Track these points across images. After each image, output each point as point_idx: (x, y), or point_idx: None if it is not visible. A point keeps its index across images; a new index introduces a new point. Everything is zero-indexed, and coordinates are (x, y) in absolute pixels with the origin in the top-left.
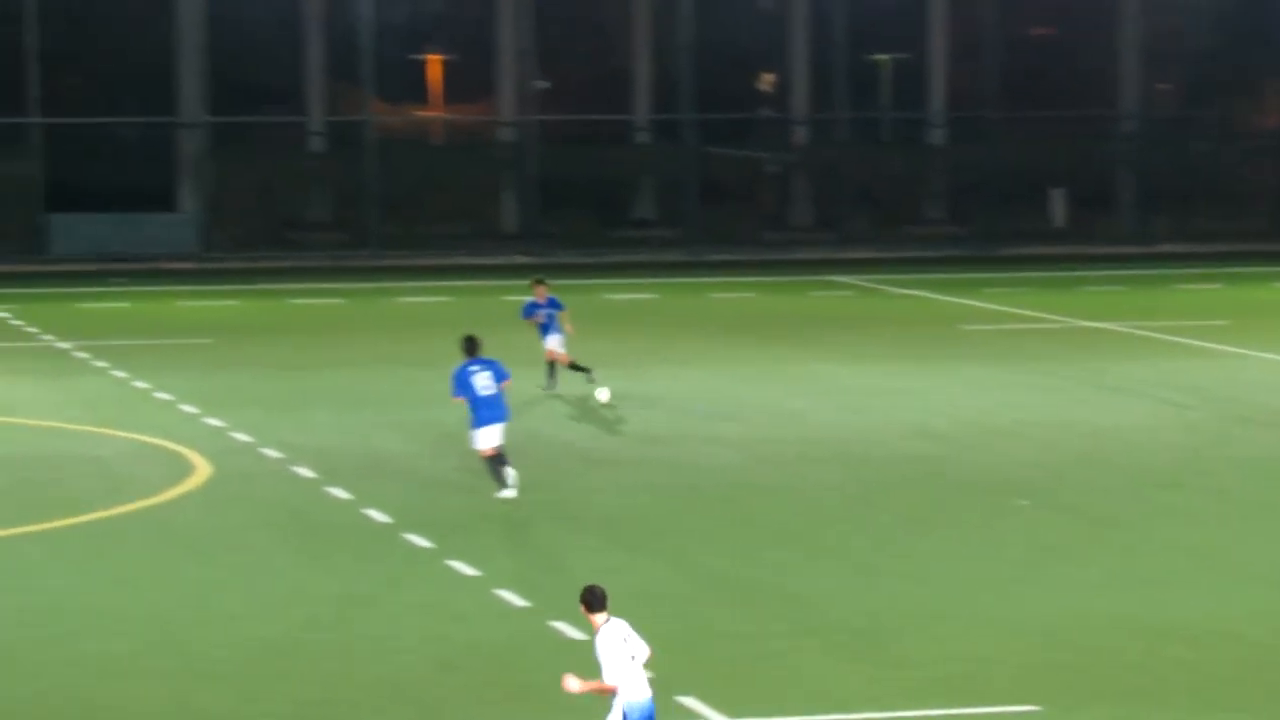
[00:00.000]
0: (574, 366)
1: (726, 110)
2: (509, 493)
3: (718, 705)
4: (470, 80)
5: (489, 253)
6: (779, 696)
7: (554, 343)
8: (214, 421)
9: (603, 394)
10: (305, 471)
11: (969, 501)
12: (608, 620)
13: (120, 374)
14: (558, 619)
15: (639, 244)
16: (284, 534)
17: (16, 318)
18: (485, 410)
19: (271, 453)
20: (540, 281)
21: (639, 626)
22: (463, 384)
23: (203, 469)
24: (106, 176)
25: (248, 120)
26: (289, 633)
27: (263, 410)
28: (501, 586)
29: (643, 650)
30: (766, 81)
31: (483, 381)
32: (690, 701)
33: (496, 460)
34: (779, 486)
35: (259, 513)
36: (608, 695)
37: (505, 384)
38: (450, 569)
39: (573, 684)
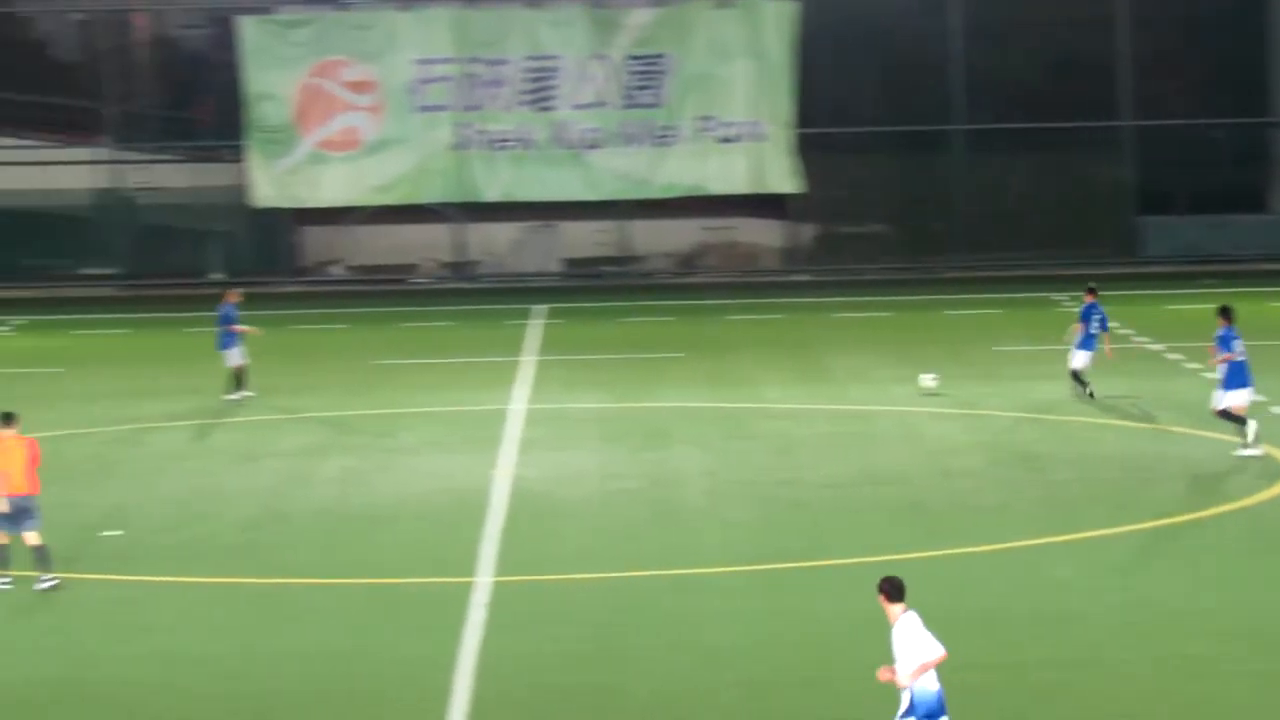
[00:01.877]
0: (1076, 376)
1: None
2: (1253, 451)
3: None
4: None
5: None
6: None
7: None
8: None
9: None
10: None
11: None
12: (905, 611)
13: (1213, 376)
14: None
15: None
16: None
17: (1111, 319)
18: (1242, 375)
19: None
20: (1090, 290)
21: None
22: (1229, 347)
23: None
24: (1197, 178)
25: None
26: None
27: None
28: None
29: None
30: None
31: (1240, 348)
32: None
33: (1241, 421)
34: None
35: None
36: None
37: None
38: None
39: (901, 677)
